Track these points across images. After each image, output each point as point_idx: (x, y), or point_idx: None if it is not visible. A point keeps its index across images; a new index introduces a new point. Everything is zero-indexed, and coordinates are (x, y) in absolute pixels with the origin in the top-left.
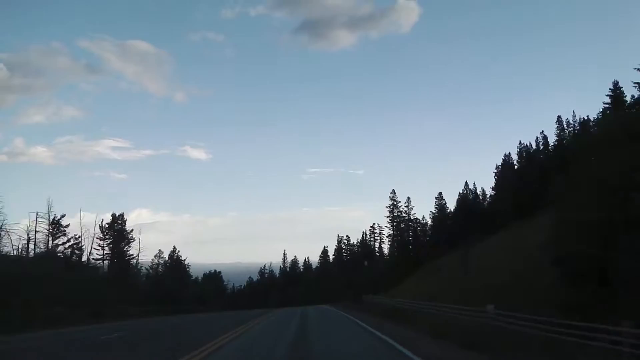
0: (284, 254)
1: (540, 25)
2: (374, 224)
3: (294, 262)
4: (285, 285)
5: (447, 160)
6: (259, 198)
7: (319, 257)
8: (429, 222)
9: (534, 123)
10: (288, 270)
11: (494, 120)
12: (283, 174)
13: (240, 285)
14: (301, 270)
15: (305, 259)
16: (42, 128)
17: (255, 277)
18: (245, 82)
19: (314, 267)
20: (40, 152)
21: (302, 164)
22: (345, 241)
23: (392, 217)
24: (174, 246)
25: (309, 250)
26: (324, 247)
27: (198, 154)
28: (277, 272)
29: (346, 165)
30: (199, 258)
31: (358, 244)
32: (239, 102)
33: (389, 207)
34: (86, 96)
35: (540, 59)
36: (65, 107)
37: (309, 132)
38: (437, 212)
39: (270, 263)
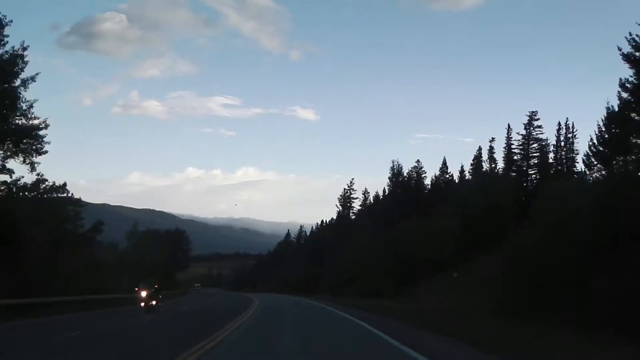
0: None
1: None
2: None
3: None
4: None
5: None
6: (364, 161)
7: None
8: None
9: None
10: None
11: None
12: (391, 138)
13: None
14: None
15: None
16: (157, 82)
17: None
18: (362, 43)
19: None
20: (153, 106)
21: (409, 129)
22: None
23: None
24: None
25: None
26: None
27: (307, 114)
28: None
29: (455, 132)
30: (301, 219)
31: None
32: (353, 63)
33: None
34: (201, 51)
35: None
36: (179, 62)
37: (418, 97)
38: None
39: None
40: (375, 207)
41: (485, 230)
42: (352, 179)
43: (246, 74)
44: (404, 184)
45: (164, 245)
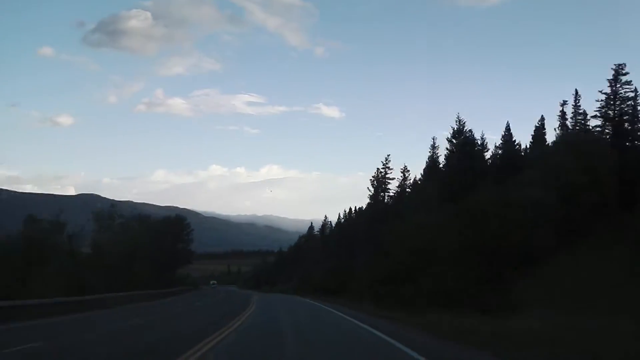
0: None
1: None
2: None
3: None
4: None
5: None
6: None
7: None
8: None
9: None
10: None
11: None
12: (410, 136)
13: None
14: None
15: None
16: (181, 79)
17: None
18: (388, 39)
19: None
20: (178, 103)
21: (433, 128)
22: None
23: None
24: None
25: None
26: None
27: (331, 111)
28: None
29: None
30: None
31: None
32: (378, 59)
33: None
34: (226, 48)
35: None
36: (204, 59)
37: (444, 94)
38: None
39: None
40: (436, 177)
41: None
42: (388, 155)
43: (270, 71)
44: (469, 144)
45: (159, 235)
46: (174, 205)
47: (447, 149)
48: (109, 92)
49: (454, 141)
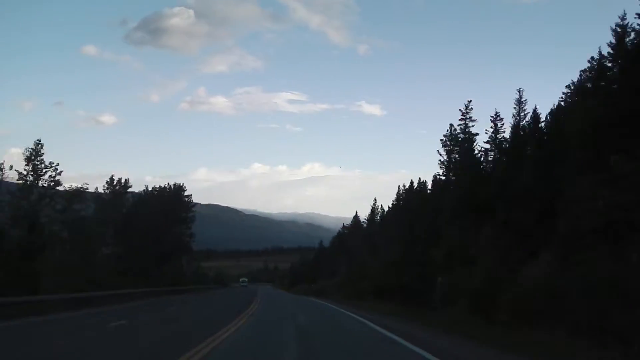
0: None
1: None
2: None
3: None
4: None
5: None
6: (430, 157)
7: None
8: None
9: None
10: None
11: None
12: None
13: None
14: None
15: None
16: (224, 78)
17: None
18: (430, 37)
19: None
20: (220, 102)
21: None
22: None
23: None
24: None
25: None
26: None
27: (373, 109)
28: None
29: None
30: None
31: None
32: (421, 57)
33: None
34: (268, 46)
35: None
36: (246, 57)
37: (488, 92)
38: None
39: None
40: None
41: None
42: (469, 101)
43: (312, 68)
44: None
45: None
46: (214, 202)
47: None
48: (151, 90)
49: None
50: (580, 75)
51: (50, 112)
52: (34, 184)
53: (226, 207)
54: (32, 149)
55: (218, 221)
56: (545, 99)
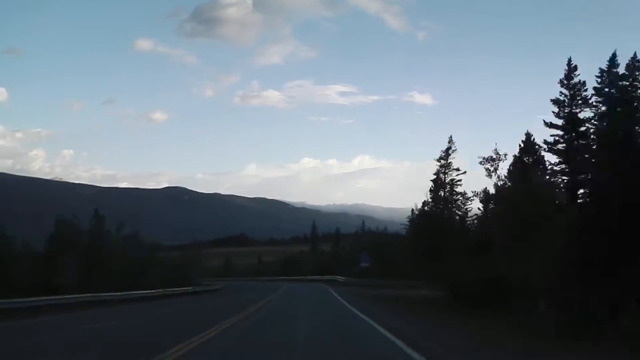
0: None
1: None
2: None
3: None
4: None
5: None
6: (480, 148)
7: None
8: None
9: None
10: None
11: None
12: (506, 122)
13: None
14: None
15: None
16: (276, 70)
17: None
18: (485, 25)
19: None
20: (273, 95)
21: (528, 113)
22: None
23: None
24: None
25: None
26: None
27: (424, 99)
28: None
29: None
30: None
31: None
32: (473, 46)
33: None
34: (323, 35)
35: None
36: (301, 48)
37: (538, 85)
38: None
39: None
40: None
41: None
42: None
43: (366, 57)
44: None
45: None
46: (262, 196)
47: None
48: (204, 85)
49: None
50: None
51: (100, 112)
52: None
53: (273, 199)
54: None
55: (265, 215)
56: None
